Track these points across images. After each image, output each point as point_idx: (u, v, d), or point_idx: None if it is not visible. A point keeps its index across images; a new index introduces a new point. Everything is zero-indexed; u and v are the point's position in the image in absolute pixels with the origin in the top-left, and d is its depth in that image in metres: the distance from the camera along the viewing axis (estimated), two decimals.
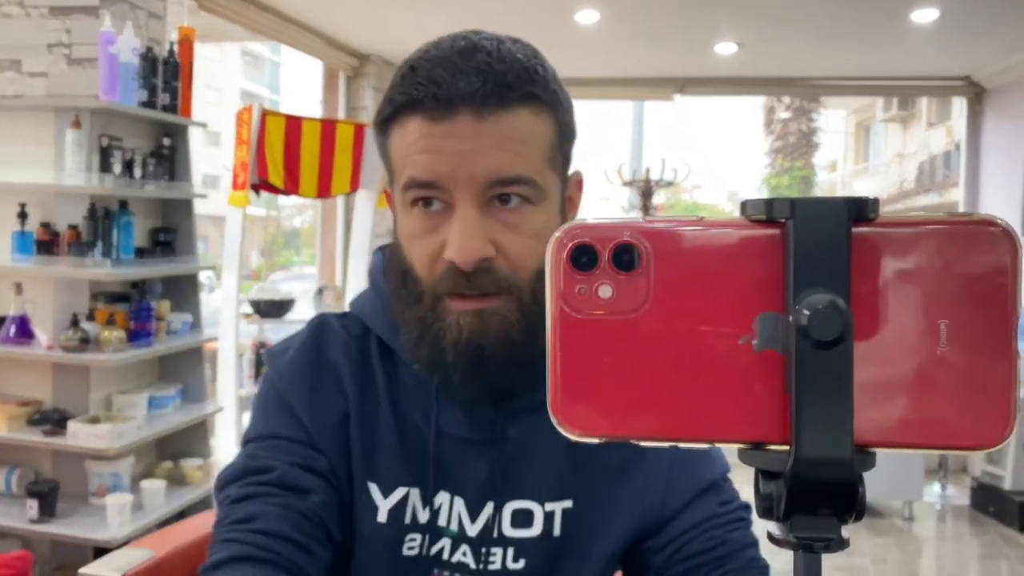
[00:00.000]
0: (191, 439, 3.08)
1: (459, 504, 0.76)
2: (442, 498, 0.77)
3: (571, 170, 0.77)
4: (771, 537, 0.37)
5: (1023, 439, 4.13)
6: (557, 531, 0.77)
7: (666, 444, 0.38)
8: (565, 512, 0.77)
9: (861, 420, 0.35)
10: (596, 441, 0.38)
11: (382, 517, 0.76)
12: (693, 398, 0.37)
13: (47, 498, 2.54)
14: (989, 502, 4.35)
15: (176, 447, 3.07)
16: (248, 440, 0.78)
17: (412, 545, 0.77)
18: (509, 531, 0.77)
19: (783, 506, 0.36)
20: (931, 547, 4.10)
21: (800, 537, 0.36)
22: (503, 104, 0.67)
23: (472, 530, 0.76)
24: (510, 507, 0.77)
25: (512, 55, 0.69)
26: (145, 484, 2.73)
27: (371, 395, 0.78)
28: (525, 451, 0.77)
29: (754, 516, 0.78)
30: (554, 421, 0.38)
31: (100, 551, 2.29)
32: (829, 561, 0.39)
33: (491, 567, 0.76)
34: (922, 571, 3.78)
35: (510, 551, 0.76)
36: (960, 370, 0.36)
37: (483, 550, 0.77)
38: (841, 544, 0.36)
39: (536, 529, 0.76)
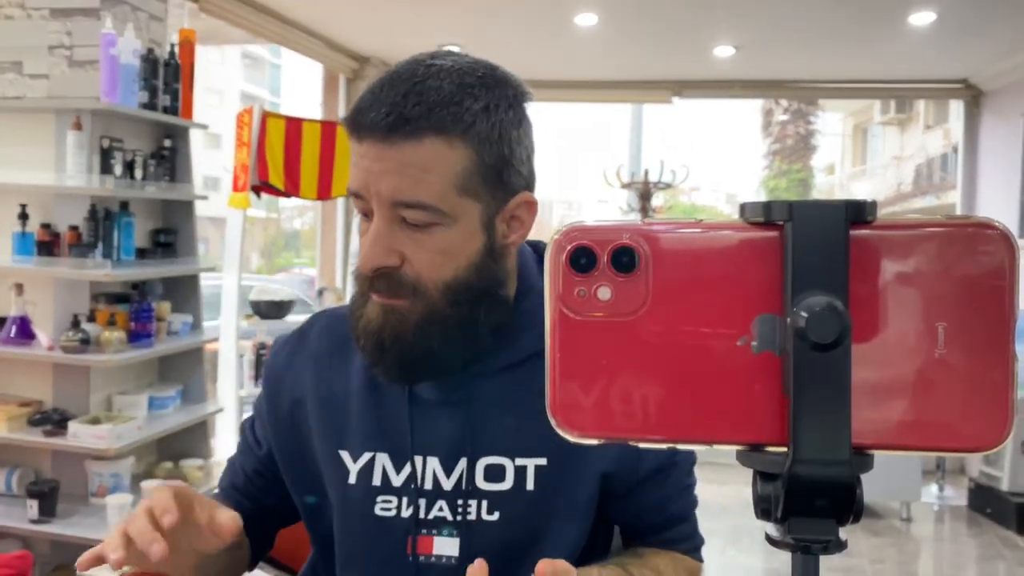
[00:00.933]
0: (191, 439, 3.08)
1: (433, 463, 0.84)
2: (416, 462, 0.84)
3: (516, 193, 0.81)
4: (769, 538, 0.38)
5: (1021, 441, 4.13)
6: (530, 485, 0.83)
7: (664, 445, 0.38)
8: (538, 468, 0.83)
9: (859, 422, 0.35)
10: (595, 442, 0.38)
11: (352, 479, 0.86)
12: (691, 400, 0.37)
13: (47, 498, 2.54)
14: (987, 503, 4.35)
15: (176, 447, 3.06)
16: (253, 406, 0.99)
17: (386, 507, 0.85)
18: (483, 484, 0.83)
19: (781, 508, 0.36)
20: (929, 548, 4.10)
21: (798, 539, 0.36)
22: (406, 135, 0.74)
23: (447, 484, 0.84)
24: (483, 462, 0.84)
25: (439, 87, 0.76)
26: (145, 484, 2.72)
27: (343, 375, 0.89)
28: (495, 410, 0.84)
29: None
30: (553, 422, 0.39)
31: None
32: (826, 562, 0.39)
33: (468, 518, 0.83)
34: (920, 572, 3.78)
35: (484, 503, 0.83)
36: (958, 372, 0.36)
37: (459, 502, 0.83)
38: (839, 546, 0.36)
39: (508, 483, 0.83)
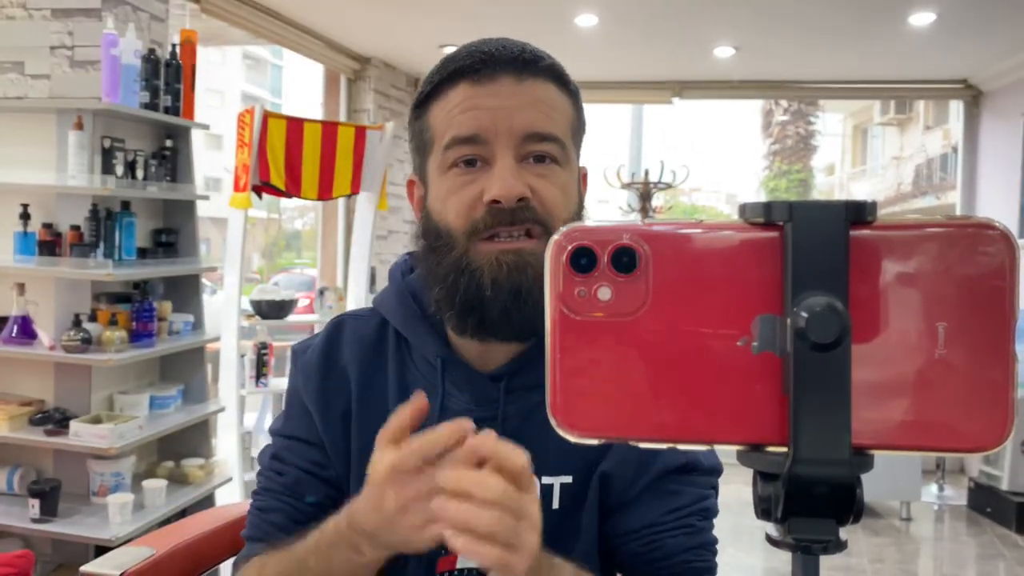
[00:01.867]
0: (192, 439, 3.08)
1: None
2: None
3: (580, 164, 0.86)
4: (769, 538, 0.38)
5: (1021, 440, 4.13)
6: (556, 504, 0.81)
7: (664, 446, 0.38)
8: (564, 487, 0.82)
9: (859, 422, 0.35)
10: (595, 442, 0.38)
11: None
12: (692, 400, 0.37)
13: (49, 497, 2.54)
14: (987, 503, 4.35)
15: (177, 447, 3.07)
16: (274, 431, 0.91)
17: None
18: None
19: (781, 508, 0.36)
20: (928, 547, 4.10)
21: (798, 539, 0.36)
22: (537, 73, 0.79)
23: None
24: None
25: (538, 48, 0.82)
26: (146, 484, 2.73)
27: (379, 387, 0.87)
28: (526, 428, 0.81)
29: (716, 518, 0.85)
30: (553, 422, 0.39)
31: (101, 550, 2.29)
32: (826, 561, 0.39)
33: None
34: (919, 571, 3.78)
35: None
36: (958, 372, 0.36)
37: None
38: (839, 546, 0.36)
39: None
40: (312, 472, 0.86)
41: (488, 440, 0.61)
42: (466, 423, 0.63)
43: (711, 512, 0.85)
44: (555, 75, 0.81)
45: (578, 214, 0.83)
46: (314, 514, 0.82)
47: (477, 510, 0.58)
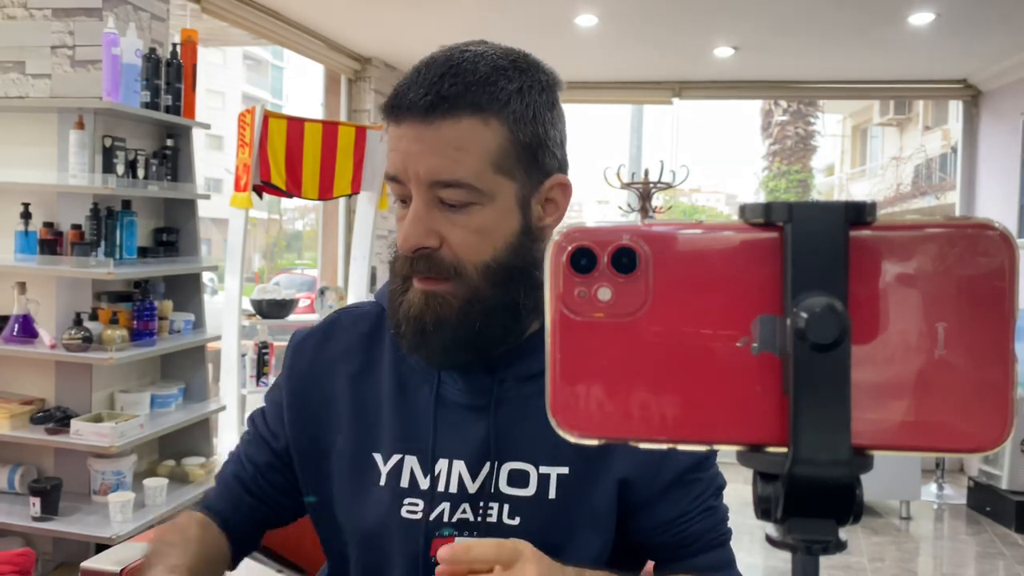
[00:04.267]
0: (193, 438, 3.08)
1: (459, 466, 0.84)
2: (441, 465, 0.84)
3: (551, 175, 0.83)
4: (769, 539, 0.38)
5: (1020, 440, 4.13)
6: (552, 494, 0.82)
7: (664, 446, 0.38)
8: (561, 477, 0.83)
9: (859, 423, 0.36)
10: (595, 443, 0.38)
11: (381, 481, 0.86)
12: (691, 400, 0.37)
13: (50, 496, 2.55)
14: (986, 502, 4.35)
15: (178, 446, 3.07)
16: (266, 397, 0.98)
17: (412, 509, 0.84)
18: (505, 488, 0.83)
19: (781, 508, 0.36)
20: (928, 546, 4.10)
21: (798, 539, 0.36)
22: (447, 112, 0.76)
23: (472, 487, 0.83)
24: (507, 467, 0.83)
25: (474, 68, 0.78)
26: (147, 482, 2.73)
27: (374, 376, 0.89)
28: (521, 416, 0.83)
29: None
30: (553, 423, 0.39)
31: (102, 549, 2.29)
32: (826, 560, 0.40)
33: (488, 520, 0.83)
34: (919, 570, 3.78)
35: (506, 507, 0.83)
36: (958, 373, 0.36)
37: (480, 504, 0.83)
38: (839, 546, 0.36)
39: (531, 489, 0.82)
40: (265, 439, 0.95)
41: (458, 548, 0.65)
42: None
43: (722, 487, 0.88)
44: (472, 106, 0.76)
45: (520, 242, 0.80)
46: (254, 474, 0.94)
47: None
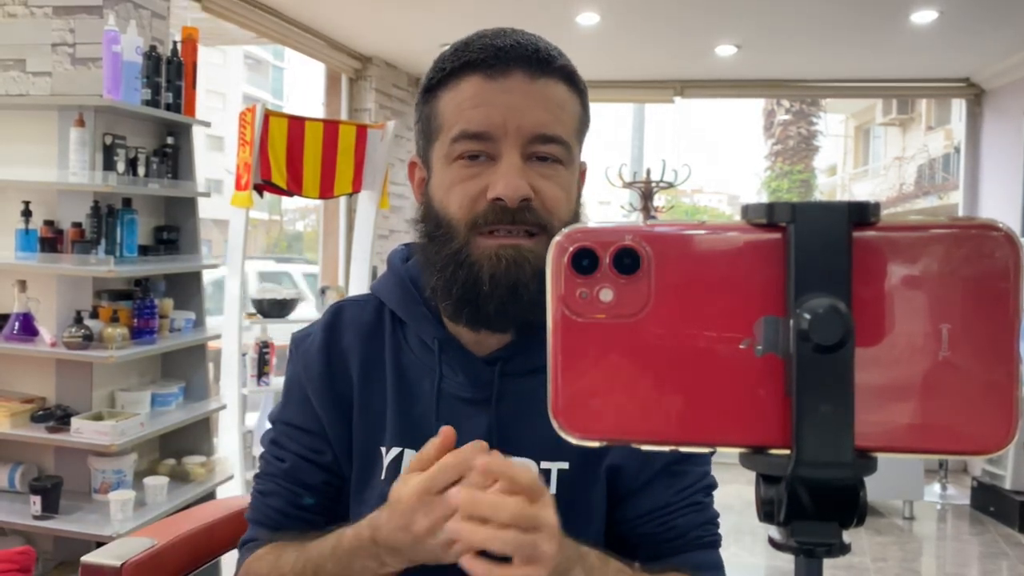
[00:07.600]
0: (194, 436, 3.08)
1: None
2: None
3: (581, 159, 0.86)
4: (772, 541, 0.37)
5: (1023, 440, 4.13)
6: (552, 489, 0.82)
7: (667, 448, 0.37)
8: (561, 472, 0.82)
9: (862, 424, 0.35)
10: (597, 444, 0.38)
11: (382, 475, 0.85)
12: (694, 402, 0.37)
13: (50, 494, 2.54)
14: (989, 502, 4.35)
15: (179, 444, 3.07)
16: (274, 418, 0.93)
17: None
18: None
19: (784, 511, 0.36)
20: (931, 546, 4.09)
21: (801, 542, 0.36)
22: (550, 72, 0.79)
23: None
24: None
25: (551, 44, 0.82)
26: (148, 481, 2.73)
27: (378, 370, 0.88)
28: (522, 411, 0.83)
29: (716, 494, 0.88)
30: (555, 424, 0.38)
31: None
32: (829, 560, 0.39)
33: None
34: (922, 570, 3.77)
35: None
36: (962, 374, 0.36)
37: None
38: (842, 549, 0.36)
39: None
40: (309, 459, 0.89)
41: (498, 460, 0.63)
42: (450, 430, 0.67)
43: (713, 487, 0.88)
44: (566, 75, 0.81)
45: (577, 212, 0.83)
46: (311, 507, 0.88)
47: (494, 532, 0.60)
